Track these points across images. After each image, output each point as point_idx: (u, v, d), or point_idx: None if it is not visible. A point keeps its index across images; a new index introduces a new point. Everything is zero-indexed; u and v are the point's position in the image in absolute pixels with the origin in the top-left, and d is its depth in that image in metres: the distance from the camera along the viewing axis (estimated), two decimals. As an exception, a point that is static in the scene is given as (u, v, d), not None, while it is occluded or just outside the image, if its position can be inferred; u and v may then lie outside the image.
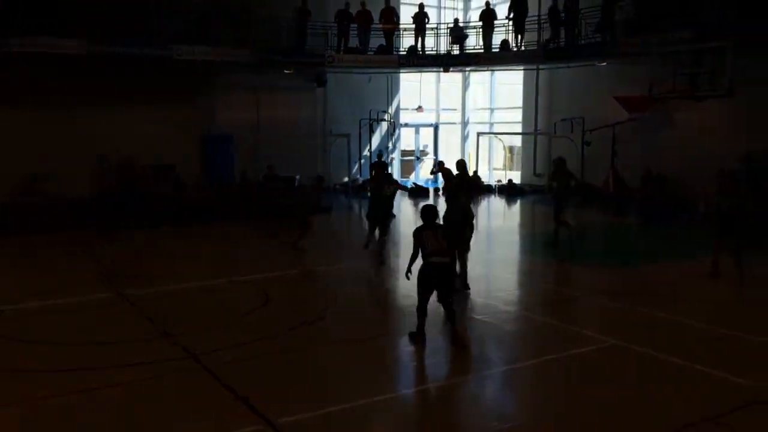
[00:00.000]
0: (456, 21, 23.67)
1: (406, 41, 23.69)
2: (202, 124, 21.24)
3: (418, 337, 7.75)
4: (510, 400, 6.53)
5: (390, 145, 26.06)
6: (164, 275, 11.65)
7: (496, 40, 23.03)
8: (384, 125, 25.82)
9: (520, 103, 25.69)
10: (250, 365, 7.08)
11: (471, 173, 15.96)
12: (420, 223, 7.99)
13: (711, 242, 10.97)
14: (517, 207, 21.82)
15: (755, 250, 11.40)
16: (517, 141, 25.71)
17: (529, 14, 22.36)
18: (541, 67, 24.06)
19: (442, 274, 7.63)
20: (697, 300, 9.74)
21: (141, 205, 17.08)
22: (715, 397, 6.16)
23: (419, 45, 23.18)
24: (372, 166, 18.43)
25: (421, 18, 22.96)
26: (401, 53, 23.20)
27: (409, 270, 7.87)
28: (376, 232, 12.69)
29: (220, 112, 22.53)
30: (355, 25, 22.49)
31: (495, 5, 23.41)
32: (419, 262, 7.74)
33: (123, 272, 11.73)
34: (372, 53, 22.86)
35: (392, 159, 25.96)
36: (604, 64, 21.54)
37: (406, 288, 10.03)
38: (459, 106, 28.05)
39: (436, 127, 27.42)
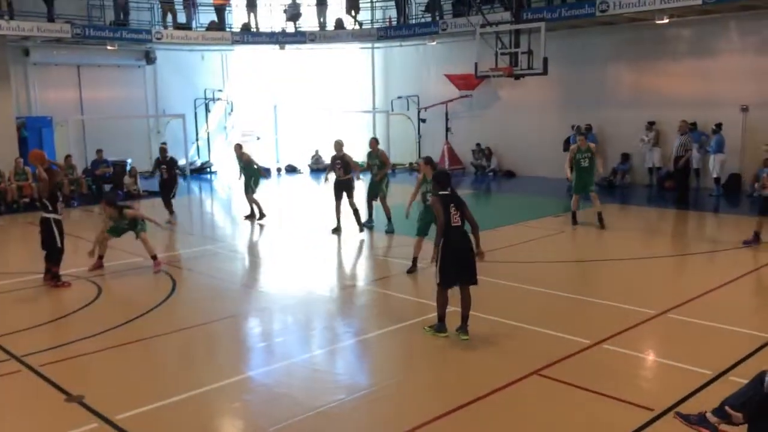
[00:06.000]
0: (294, -1, 23.37)
1: (240, 18, 23.10)
2: (15, 106, 19.37)
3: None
4: (359, 371, 6.71)
5: (227, 125, 25.38)
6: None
7: (334, 18, 23.18)
8: (220, 104, 25.07)
9: (358, 81, 26.03)
10: (82, 363, 6.68)
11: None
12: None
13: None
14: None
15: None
16: (358, 119, 26.04)
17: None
18: (375, 45, 24.54)
19: None
20: (533, 264, 10.56)
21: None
22: (544, 352, 6.71)
23: (252, 22, 22.71)
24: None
25: (253, -6, 22.48)
26: (234, 30, 22.59)
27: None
28: None
29: (36, 92, 20.74)
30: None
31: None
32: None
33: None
34: (203, 29, 22.06)
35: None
36: (435, 43, 22.43)
37: (246, 270, 9.95)
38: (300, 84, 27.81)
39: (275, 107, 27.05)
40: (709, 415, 4.59)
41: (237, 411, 5.79)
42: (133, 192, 18.70)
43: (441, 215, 6.91)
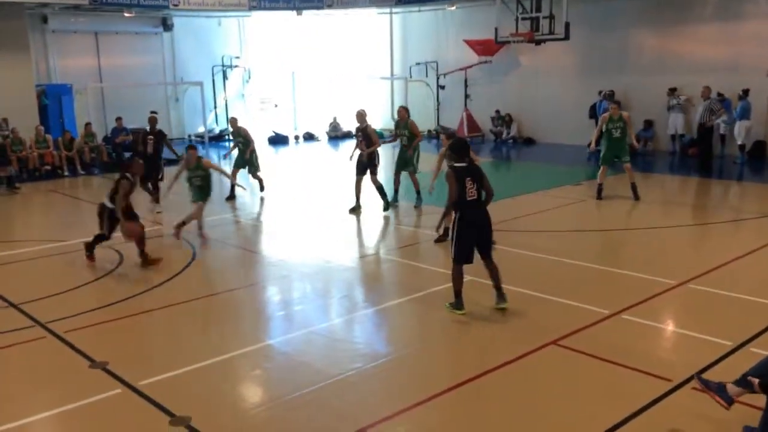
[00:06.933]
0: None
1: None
2: (35, 73, 19.46)
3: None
4: (377, 339, 6.75)
5: (245, 92, 25.30)
6: (3, 239, 10.76)
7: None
8: (237, 71, 24.96)
9: (376, 47, 25.74)
10: (106, 330, 6.78)
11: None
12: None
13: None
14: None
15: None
16: (376, 86, 25.83)
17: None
18: (393, 10, 24.19)
19: None
20: (552, 233, 10.50)
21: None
22: (562, 322, 6.70)
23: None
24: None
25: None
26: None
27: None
28: None
29: (55, 60, 20.79)
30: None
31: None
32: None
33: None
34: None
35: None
36: (454, 8, 22.06)
37: (265, 239, 10.01)
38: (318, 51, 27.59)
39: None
40: (729, 386, 4.55)
41: (257, 378, 5.87)
42: (153, 160, 18.76)
43: (454, 190, 6.69)
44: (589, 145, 14.13)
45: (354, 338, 6.73)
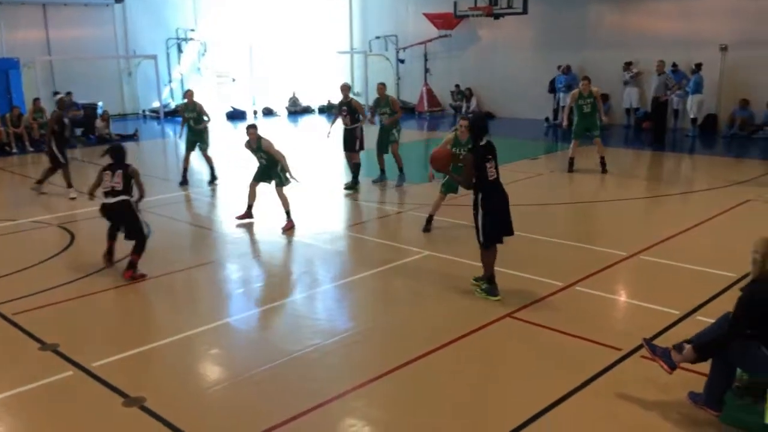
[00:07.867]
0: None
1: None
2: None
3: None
4: (338, 315, 6.74)
5: (200, 66, 24.77)
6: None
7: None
8: (193, 45, 24.40)
9: (336, 20, 25.43)
10: (56, 311, 6.63)
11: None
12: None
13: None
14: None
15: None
16: (336, 60, 25.56)
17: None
18: (352, -17, 23.93)
19: (114, 212, 7.57)
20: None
21: None
22: (517, 295, 6.80)
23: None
24: None
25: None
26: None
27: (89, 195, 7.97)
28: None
29: (2, 33, 20.05)
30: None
31: None
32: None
33: None
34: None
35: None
36: (413, -20, 21.91)
37: (223, 216, 9.89)
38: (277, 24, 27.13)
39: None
40: (674, 352, 4.68)
41: (215, 357, 5.82)
42: (105, 136, 18.32)
43: (469, 175, 6.35)
44: (561, 123, 14.27)
45: (314, 314, 6.71)
